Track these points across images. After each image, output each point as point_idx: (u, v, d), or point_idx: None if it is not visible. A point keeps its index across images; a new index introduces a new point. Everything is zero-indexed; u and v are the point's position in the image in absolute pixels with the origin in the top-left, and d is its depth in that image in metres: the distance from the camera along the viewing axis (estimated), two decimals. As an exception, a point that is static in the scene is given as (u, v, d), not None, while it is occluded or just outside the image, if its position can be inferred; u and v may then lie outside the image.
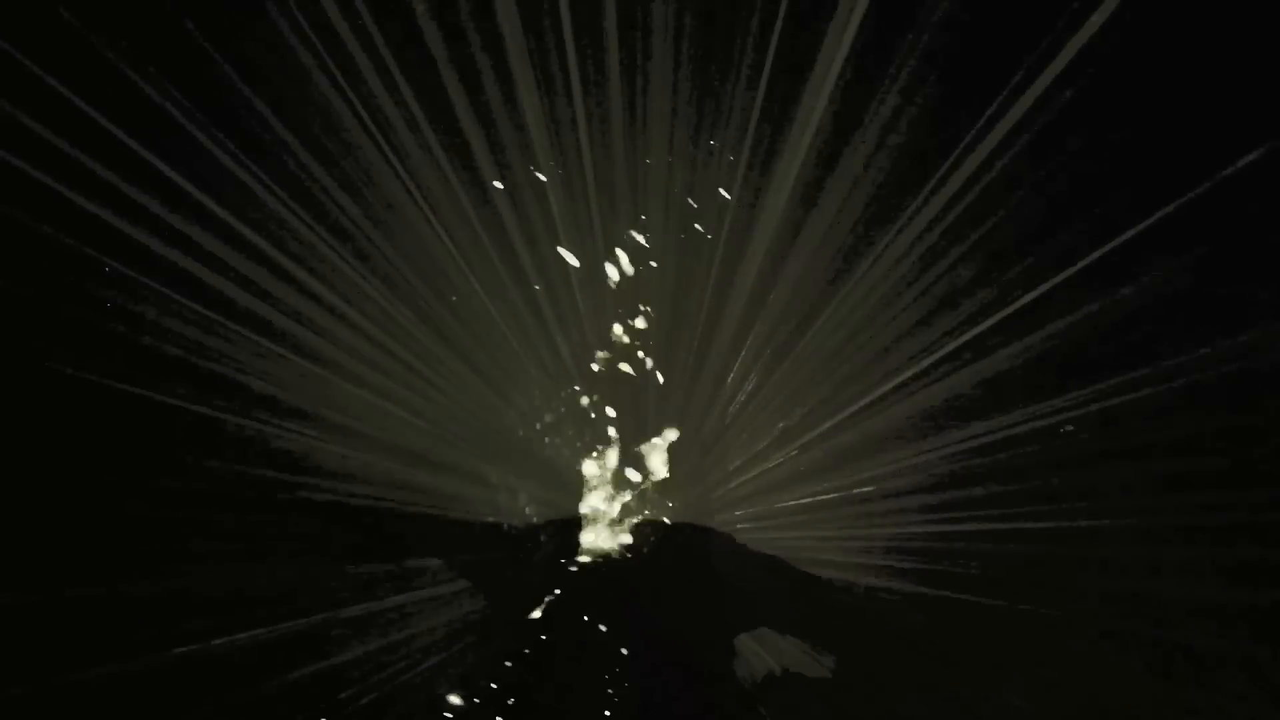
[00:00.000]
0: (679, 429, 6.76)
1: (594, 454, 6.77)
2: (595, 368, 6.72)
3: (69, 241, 5.22)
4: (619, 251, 6.54)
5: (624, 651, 6.05)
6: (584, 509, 6.68)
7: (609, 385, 6.75)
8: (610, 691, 5.92)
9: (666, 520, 6.67)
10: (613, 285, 6.60)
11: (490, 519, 6.59)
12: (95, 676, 5.39)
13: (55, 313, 5.30)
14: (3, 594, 5.21)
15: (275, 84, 5.52)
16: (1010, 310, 5.87)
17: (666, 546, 6.59)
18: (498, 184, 6.14)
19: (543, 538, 6.61)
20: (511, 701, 5.96)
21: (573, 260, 6.45)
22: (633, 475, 6.78)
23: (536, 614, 6.28)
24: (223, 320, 5.74)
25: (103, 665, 5.43)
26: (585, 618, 6.20)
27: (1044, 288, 5.73)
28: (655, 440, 6.77)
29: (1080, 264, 5.60)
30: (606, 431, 6.76)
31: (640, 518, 6.69)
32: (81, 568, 5.51)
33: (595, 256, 6.50)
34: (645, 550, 6.60)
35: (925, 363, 6.24)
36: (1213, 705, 5.87)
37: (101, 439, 5.51)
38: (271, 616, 5.98)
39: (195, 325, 5.68)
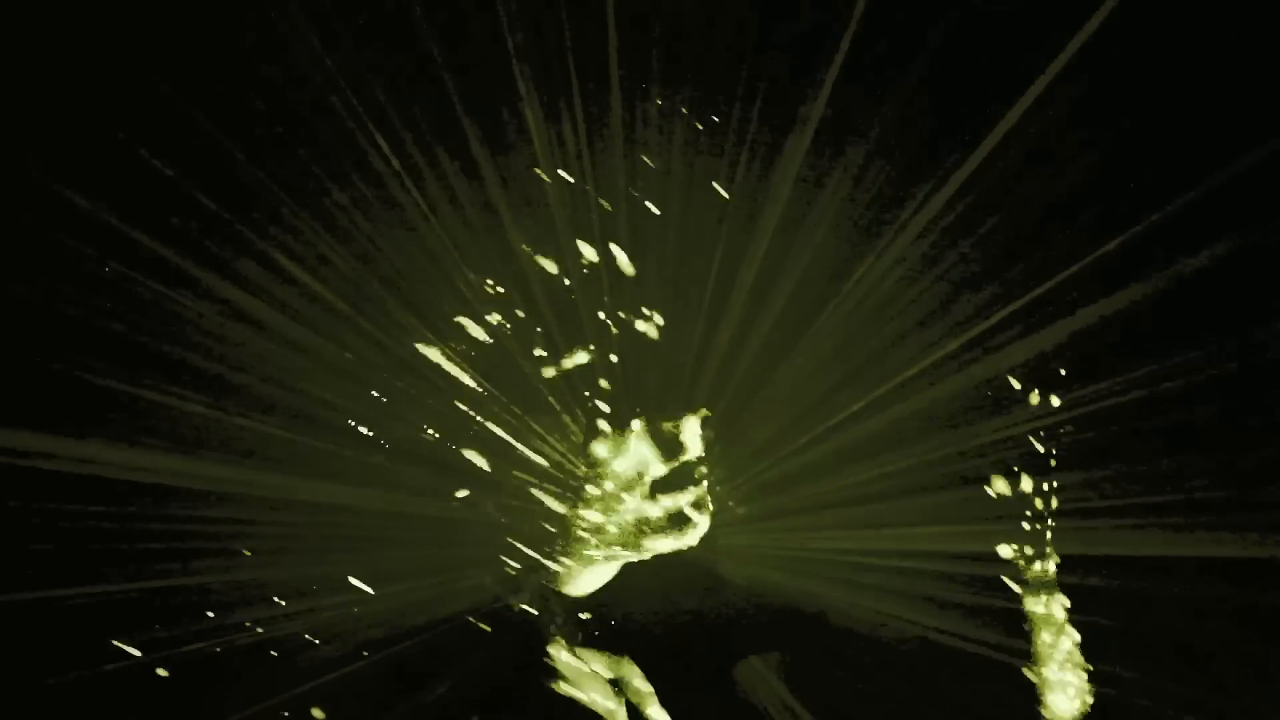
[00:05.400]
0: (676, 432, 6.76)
1: (592, 452, 6.76)
2: (593, 374, 6.73)
3: (69, 242, 5.21)
4: (615, 255, 6.55)
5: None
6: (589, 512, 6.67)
7: (606, 387, 6.74)
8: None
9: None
10: (611, 288, 6.61)
11: (491, 518, 6.59)
12: (97, 675, 5.38)
13: (55, 313, 5.29)
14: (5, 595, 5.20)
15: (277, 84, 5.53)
16: (1010, 311, 5.90)
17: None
18: (498, 187, 6.15)
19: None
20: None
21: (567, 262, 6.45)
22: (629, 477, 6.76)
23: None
24: (223, 321, 5.74)
25: (104, 665, 5.42)
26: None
27: (1044, 288, 5.76)
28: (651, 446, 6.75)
29: (1080, 264, 5.63)
30: (604, 431, 6.75)
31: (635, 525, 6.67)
32: (79, 568, 5.50)
33: (592, 259, 6.50)
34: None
35: (924, 363, 6.26)
36: (1213, 704, 5.89)
37: (100, 439, 5.50)
38: (270, 618, 5.98)
39: (195, 326, 5.67)
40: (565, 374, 6.85)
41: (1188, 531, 5.73)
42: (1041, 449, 6.01)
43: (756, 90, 5.88)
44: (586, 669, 6.04)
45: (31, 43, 4.96)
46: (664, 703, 6.26)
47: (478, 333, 6.53)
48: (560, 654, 6.12)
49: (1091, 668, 6.03)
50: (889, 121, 5.76)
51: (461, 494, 6.32)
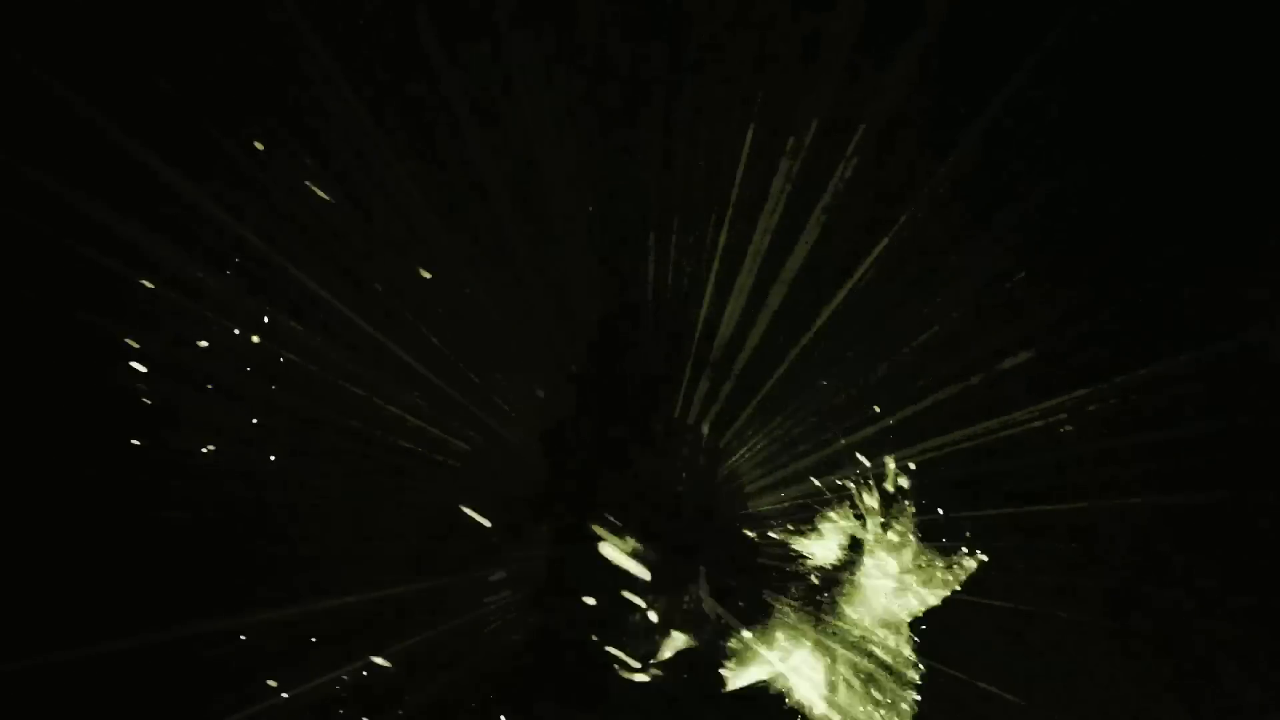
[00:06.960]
0: (675, 432, 6.77)
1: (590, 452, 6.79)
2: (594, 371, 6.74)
3: (69, 241, 5.23)
4: (612, 260, 6.54)
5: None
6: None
7: (605, 389, 6.75)
8: None
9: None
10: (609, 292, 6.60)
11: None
12: (109, 664, 5.42)
13: (56, 314, 5.31)
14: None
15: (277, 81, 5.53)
16: (1010, 311, 5.89)
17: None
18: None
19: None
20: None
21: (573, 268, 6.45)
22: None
23: None
24: (224, 321, 5.75)
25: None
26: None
27: (1043, 289, 5.75)
28: (649, 447, 6.77)
29: (1079, 265, 5.62)
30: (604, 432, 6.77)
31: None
32: (89, 568, 5.53)
33: (593, 265, 6.50)
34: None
35: (925, 362, 6.25)
36: (1213, 703, 5.89)
37: (104, 439, 5.53)
38: (274, 612, 6.01)
39: (195, 324, 5.69)
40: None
41: (1186, 532, 5.73)
42: (1039, 447, 6.02)
43: (756, 89, 5.88)
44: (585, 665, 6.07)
45: (31, 42, 4.98)
46: (661, 697, 6.29)
47: (479, 332, 6.54)
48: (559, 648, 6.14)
49: (1090, 668, 6.04)
50: (889, 121, 5.76)
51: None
